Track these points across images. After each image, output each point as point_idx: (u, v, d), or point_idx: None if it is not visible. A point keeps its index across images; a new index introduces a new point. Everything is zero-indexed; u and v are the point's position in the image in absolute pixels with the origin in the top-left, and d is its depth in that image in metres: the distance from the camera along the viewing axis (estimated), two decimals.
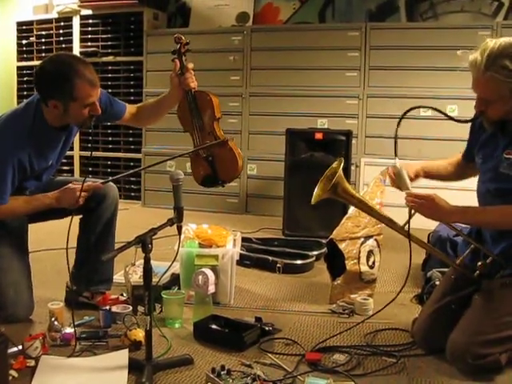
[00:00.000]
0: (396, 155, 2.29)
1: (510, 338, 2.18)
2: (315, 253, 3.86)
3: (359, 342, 2.52)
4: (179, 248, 2.60)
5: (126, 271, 3.04)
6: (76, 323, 2.46)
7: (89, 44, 6.29)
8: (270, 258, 3.73)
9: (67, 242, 2.40)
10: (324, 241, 3.54)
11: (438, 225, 3.40)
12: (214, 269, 2.89)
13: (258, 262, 3.76)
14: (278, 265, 3.65)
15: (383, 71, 5.15)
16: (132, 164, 6.19)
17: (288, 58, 5.44)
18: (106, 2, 6.02)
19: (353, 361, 2.31)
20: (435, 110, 2.35)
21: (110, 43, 6.21)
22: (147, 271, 2.15)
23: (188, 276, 2.94)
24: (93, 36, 6.28)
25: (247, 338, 2.44)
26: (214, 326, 2.59)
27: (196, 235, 3.22)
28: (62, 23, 6.40)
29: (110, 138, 6.29)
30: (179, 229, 2.33)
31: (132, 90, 6.12)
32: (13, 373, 2.11)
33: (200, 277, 2.74)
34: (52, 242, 3.82)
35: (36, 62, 6.34)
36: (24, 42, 6.62)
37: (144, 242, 2.12)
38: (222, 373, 2.09)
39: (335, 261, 3.06)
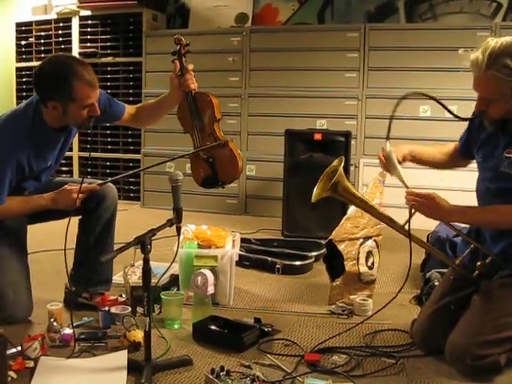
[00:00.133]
0: (388, 139, 2.30)
1: (509, 339, 2.18)
2: (314, 253, 3.86)
3: (358, 343, 2.52)
4: (178, 249, 2.59)
5: (125, 272, 3.04)
6: (75, 324, 2.46)
7: (88, 45, 6.29)
8: (269, 258, 3.73)
9: (65, 243, 2.40)
10: (323, 241, 3.54)
11: (437, 225, 3.40)
12: (213, 270, 2.88)
13: (257, 262, 3.76)
14: (277, 266, 3.65)
15: (382, 72, 5.16)
16: (131, 165, 6.19)
17: (287, 58, 5.44)
18: (105, 3, 6.02)
19: (352, 362, 2.31)
20: (437, 101, 2.35)
21: (109, 44, 6.21)
22: (146, 272, 2.15)
23: (187, 277, 2.93)
24: (92, 37, 6.27)
25: (246, 338, 2.44)
26: (213, 327, 2.59)
27: (195, 236, 3.22)
28: (61, 24, 6.39)
29: (109, 139, 6.29)
30: (178, 229, 2.33)
31: (131, 91, 6.12)
32: (12, 374, 2.11)
33: (199, 278, 2.74)
34: (51, 243, 3.81)
35: (35, 63, 6.34)
36: (23, 42, 6.61)
37: (143, 242, 2.12)
38: (221, 374, 2.09)
39: (334, 261, 3.06)
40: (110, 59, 6.20)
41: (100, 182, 2.77)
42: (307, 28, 5.72)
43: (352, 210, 3.10)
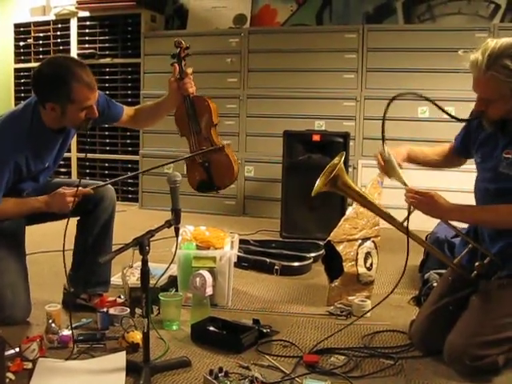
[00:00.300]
0: (383, 141, 2.30)
1: (508, 340, 2.18)
2: (313, 255, 3.86)
3: (357, 344, 2.52)
4: (177, 250, 2.59)
5: (124, 273, 3.04)
6: (73, 325, 2.46)
7: (86, 46, 6.29)
8: (268, 259, 3.73)
9: (64, 244, 2.39)
10: (321, 243, 3.55)
11: (436, 226, 3.40)
12: (211, 271, 2.88)
13: (255, 263, 3.76)
14: (276, 267, 3.64)
15: (380, 73, 5.16)
16: (129, 166, 6.20)
17: (285, 60, 5.45)
18: (104, 4, 6.02)
19: (350, 363, 2.31)
20: (433, 103, 2.35)
21: (107, 45, 6.20)
22: (145, 273, 2.15)
23: (185, 278, 2.93)
24: (90, 38, 6.27)
25: (245, 339, 2.44)
26: (211, 328, 2.59)
27: (193, 237, 3.22)
28: (60, 25, 6.39)
29: (108, 140, 6.29)
30: (177, 231, 2.33)
31: (129, 92, 6.11)
32: (10, 375, 2.11)
33: (197, 279, 2.74)
34: (49, 244, 3.80)
35: (33, 64, 6.34)
36: (21, 43, 6.61)
37: (141, 243, 2.12)
38: (220, 375, 2.09)
39: (333, 263, 3.06)
40: (108, 60, 6.20)
41: (95, 185, 2.75)
42: (305, 29, 5.73)
43: (350, 211, 3.10)
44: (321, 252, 3.79)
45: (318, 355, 2.34)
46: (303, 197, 4.45)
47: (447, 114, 2.32)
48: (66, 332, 2.43)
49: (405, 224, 2.32)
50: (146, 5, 6.01)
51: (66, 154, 3.85)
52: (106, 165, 6.31)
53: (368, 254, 3.09)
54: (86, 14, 6.25)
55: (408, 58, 5.06)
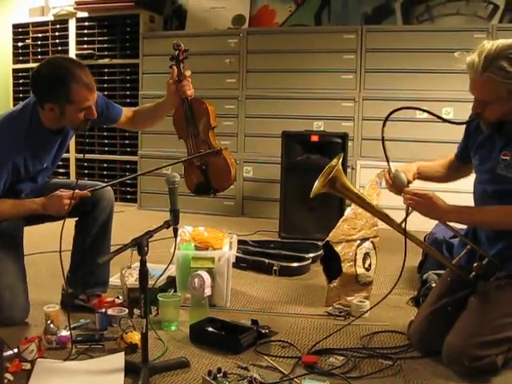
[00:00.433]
0: (388, 161, 2.29)
1: (507, 340, 2.18)
2: (311, 255, 3.86)
3: (355, 345, 2.52)
4: (175, 250, 2.59)
5: (122, 274, 3.03)
6: (72, 326, 2.46)
7: (85, 46, 6.29)
8: (267, 260, 3.73)
9: (60, 245, 2.39)
10: (320, 243, 3.55)
11: (435, 227, 3.41)
12: (210, 271, 2.88)
13: (254, 264, 3.76)
14: (275, 267, 3.64)
15: (379, 74, 5.17)
16: (128, 166, 6.20)
17: (284, 60, 5.45)
18: (102, 5, 6.02)
19: (349, 363, 2.30)
20: (430, 113, 2.36)
21: (106, 46, 6.21)
22: (143, 274, 2.15)
23: (184, 278, 2.93)
24: (89, 38, 6.27)
25: (243, 340, 2.44)
26: (210, 329, 2.59)
27: (192, 238, 3.22)
28: (58, 26, 6.39)
29: (106, 141, 6.29)
30: (175, 231, 2.33)
31: (128, 93, 6.11)
32: (8, 376, 2.11)
33: (196, 279, 2.74)
34: (47, 245, 3.81)
35: (32, 65, 6.34)
36: (20, 44, 6.61)
37: (140, 244, 2.12)
38: (219, 375, 2.09)
39: (331, 263, 3.06)
40: (106, 61, 6.20)
41: (93, 186, 2.75)
42: (304, 30, 5.73)
43: (349, 211, 3.10)
44: (319, 252, 3.79)
45: (316, 356, 2.34)
46: (302, 197, 4.46)
47: (444, 120, 2.32)
48: (65, 333, 2.43)
49: (403, 225, 2.32)
50: (144, 5, 6.01)
51: (65, 155, 3.84)
52: (105, 165, 6.31)
53: (367, 255, 3.09)
54: (85, 14, 6.25)
55: (407, 59, 5.07)
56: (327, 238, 3.03)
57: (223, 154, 3.10)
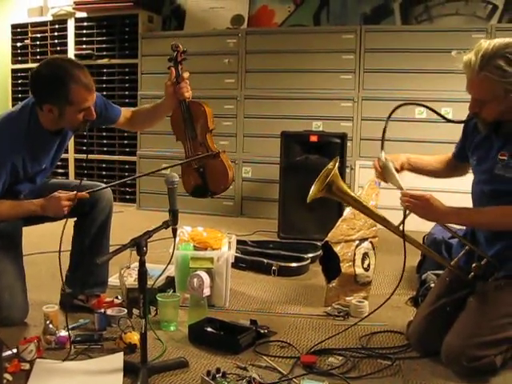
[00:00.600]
0: (382, 148, 2.30)
1: (505, 340, 2.18)
2: (310, 255, 3.86)
3: (354, 345, 2.52)
4: (174, 251, 2.59)
5: (121, 274, 3.03)
6: (71, 326, 2.46)
7: (84, 46, 6.29)
8: (265, 260, 3.73)
9: (60, 245, 2.39)
10: (319, 243, 3.56)
11: (433, 227, 3.41)
12: (209, 271, 2.88)
13: (253, 264, 3.76)
14: (273, 267, 3.64)
15: (378, 74, 5.17)
16: (127, 167, 6.20)
17: (283, 60, 5.45)
18: (101, 5, 6.01)
19: (348, 363, 2.31)
20: (428, 108, 2.36)
21: (104, 46, 6.20)
22: (142, 274, 2.15)
23: (183, 279, 2.93)
24: (88, 39, 6.27)
25: (242, 340, 2.44)
26: (209, 329, 2.59)
27: (191, 238, 3.22)
28: (57, 26, 6.39)
29: (105, 141, 6.29)
30: (174, 231, 2.33)
31: (127, 93, 6.11)
32: (7, 376, 2.11)
33: (195, 279, 2.74)
34: (46, 245, 3.81)
35: (31, 65, 6.34)
36: (19, 44, 6.61)
37: (139, 244, 2.12)
38: (218, 376, 2.09)
39: (330, 263, 3.06)
40: (105, 61, 6.20)
41: (92, 186, 2.75)
42: (303, 30, 5.73)
43: (348, 211, 3.10)
44: (318, 253, 3.79)
45: (315, 356, 2.34)
46: (301, 197, 4.41)
47: (443, 117, 2.32)
48: (64, 333, 2.43)
49: (401, 228, 2.32)
50: (143, 5, 6.01)
51: (64, 155, 3.82)
52: (104, 165, 6.31)
53: (365, 255, 3.09)
54: (84, 14, 6.25)
55: (405, 59, 5.07)
56: (326, 238, 3.03)
57: (221, 156, 3.10)
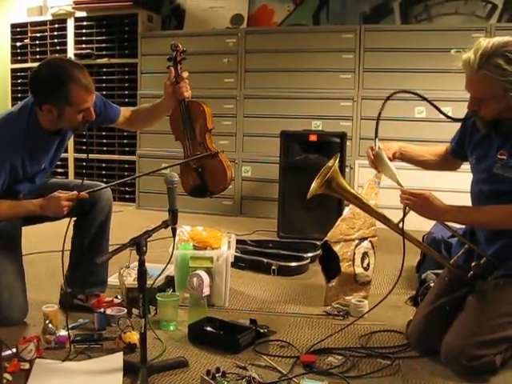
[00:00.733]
0: (376, 137, 2.31)
1: (505, 339, 2.18)
2: (310, 255, 3.86)
3: (354, 344, 2.52)
4: (174, 250, 2.59)
5: (121, 273, 3.03)
6: (70, 326, 2.46)
7: (83, 46, 6.28)
8: (265, 260, 3.73)
9: (63, 245, 2.39)
10: (319, 243, 3.55)
11: (433, 227, 3.41)
12: (208, 271, 2.88)
13: (252, 264, 3.76)
14: (273, 267, 3.64)
15: (377, 73, 5.17)
16: (127, 166, 6.20)
17: (282, 60, 5.45)
18: (101, 4, 6.01)
19: (348, 363, 2.31)
20: (427, 101, 2.37)
21: (104, 45, 6.20)
22: (142, 273, 2.15)
23: (183, 278, 2.93)
24: (87, 38, 6.27)
25: (242, 340, 2.44)
26: (208, 329, 2.59)
27: (191, 237, 3.22)
28: (57, 25, 6.39)
29: (105, 141, 6.29)
30: (174, 231, 2.33)
31: (126, 92, 6.11)
32: (7, 376, 2.11)
33: (195, 279, 2.74)
34: (45, 245, 3.81)
35: (30, 64, 6.34)
36: (18, 44, 6.60)
37: (138, 244, 2.12)
38: (217, 375, 2.09)
39: (330, 263, 3.06)
40: (105, 60, 6.19)
41: (92, 186, 2.75)
42: (302, 29, 5.73)
43: (347, 211, 3.10)
44: (318, 252, 3.79)
45: (315, 355, 2.34)
46: (300, 197, 4.43)
47: (441, 112, 2.32)
48: (63, 332, 2.43)
49: (400, 225, 2.32)
50: (142, 5, 6.01)
51: (63, 155, 3.83)
52: (103, 165, 6.30)
53: (365, 254, 3.09)
54: (83, 14, 6.24)
55: (405, 58, 5.07)
56: (326, 238, 3.03)
57: (219, 156, 3.10)
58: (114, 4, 5.97)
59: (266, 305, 3.08)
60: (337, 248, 3.01)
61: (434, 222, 3.14)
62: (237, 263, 3.67)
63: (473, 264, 2.33)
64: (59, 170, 6.40)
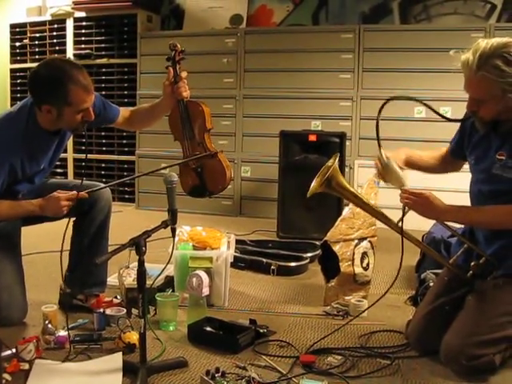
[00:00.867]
0: (379, 145, 2.30)
1: (504, 339, 2.18)
2: (309, 255, 3.86)
3: (353, 344, 2.52)
4: (173, 250, 2.59)
5: (120, 274, 3.03)
6: (70, 326, 2.46)
7: (82, 46, 6.28)
8: (264, 260, 3.73)
9: (62, 245, 2.39)
10: (318, 243, 3.55)
11: (432, 226, 3.41)
12: (208, 271, 2.88)
13: (252, 264, 3.76)
14: (273, 267, 3.64)
15: (377, 73, 5.17)
16: (126, 166, 6.20)
17: (282, 60, 5.45)
18: (100, 5, 6.01)
19: (347, 363, 2.31)
20: (425, 105, 2.36)
21: (103, 45, 6.20)
22: (141, 274, 2.15)
23: (182, 278, 2.93)
24: (86, 38, 6.27)
25: (242, 340, 2.44)
26: (208, 329, 2.60)
27: (190, 237, 3.22)
28: (56, 25, 6.39)
29: (104, 141, 6.28)
30: (173, 231, 2.33)
31: (126, 92, 6.11)
32: (6, 376, 2.11)
33: (194, 279, 2.74)
34: (45, 245, 3.81)
35: (29, 65, 6.34)
36: (17, 44, 6.60)
37: (138, 244, 2.12)
38: (217, 375, 2.09)
39: (329, 263, 3.06)
40: (104, 60, 6.19)
41: (91, 186, 2.75)
42: (302, 29, 5.73)
43: (347, 211, 3.10)
44: (317, 252, 3.79)
45: (314, 355, 2.34)
46: (300, 197, 4.45)
47: (438, 114, 2.32)
48: (63, 333, 2.43)
49: (399, 225, 2.32)
50: (142, 5, 6.01)
51: (63, 155, 3.83)
52: (103, 165, 6.30)
53: (364, 254, 3.09)
54: (82, 14, 6.24)
55: (404, 58, 5.07)
56: (325, 238, 3.03)
57: (219, 156, 3.10)
58: (113, 4, 5.97)
59: (266, 305, 3.08)
60: (336, 248, 3.01)
61: (433, 222, 3.14)
62: (236, 263, 3.67)
63: (472, 264, 2.33)
64: (58, 170, 6.39)
